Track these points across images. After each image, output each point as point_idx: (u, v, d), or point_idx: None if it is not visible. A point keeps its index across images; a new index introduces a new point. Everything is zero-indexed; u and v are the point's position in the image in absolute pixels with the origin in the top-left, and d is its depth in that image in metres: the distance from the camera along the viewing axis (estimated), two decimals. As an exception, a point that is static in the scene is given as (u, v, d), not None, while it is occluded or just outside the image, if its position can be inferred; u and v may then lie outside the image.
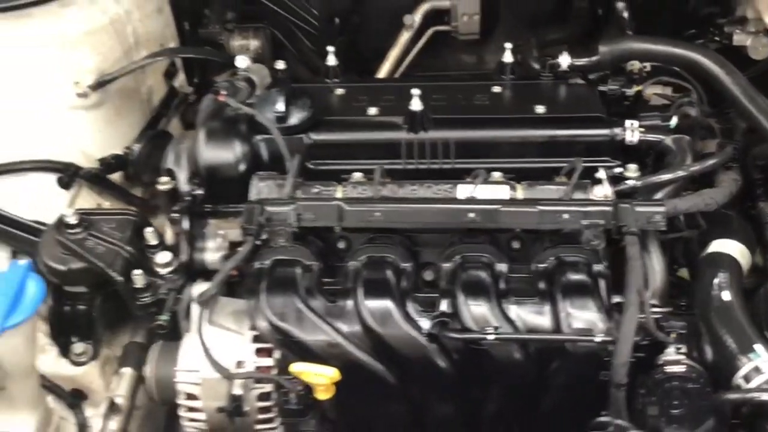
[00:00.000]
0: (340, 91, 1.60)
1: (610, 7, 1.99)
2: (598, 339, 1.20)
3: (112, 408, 1.54)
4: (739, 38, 1.73)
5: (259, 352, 1.34)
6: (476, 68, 2.20)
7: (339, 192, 1.39)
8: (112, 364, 1.60)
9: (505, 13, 2.07)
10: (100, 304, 1.53)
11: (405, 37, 2.07)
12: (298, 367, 1.20)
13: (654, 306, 1.28)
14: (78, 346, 1.54)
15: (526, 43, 1.80)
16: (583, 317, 1.24)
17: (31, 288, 1.27)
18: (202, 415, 1.36)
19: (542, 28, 2.00)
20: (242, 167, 1.46)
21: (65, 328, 1.52)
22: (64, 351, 1.54)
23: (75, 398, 1.55)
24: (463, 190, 1.37)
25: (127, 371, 1.58)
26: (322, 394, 1.23)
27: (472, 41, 2.12)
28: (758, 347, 1.16)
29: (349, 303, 1.29)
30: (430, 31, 2.08)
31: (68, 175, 1.67)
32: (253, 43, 2.01)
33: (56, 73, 1.66)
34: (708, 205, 1.35)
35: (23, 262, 1.32)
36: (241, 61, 1.54)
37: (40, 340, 1.51)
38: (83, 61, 1.67)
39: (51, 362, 1.53)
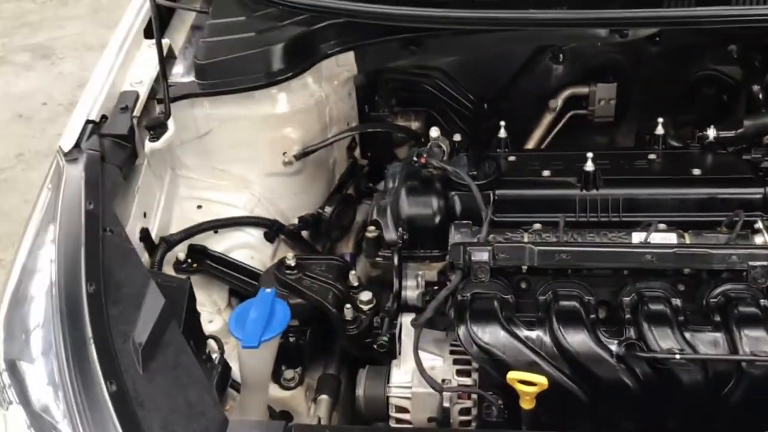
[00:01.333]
0: (512, 158, 1.87)
1: (735, 94, 2.24)
2: (776, 358, 1.38)
3: (319, 427, 1.75)
4: None
5: (460, 372, 1.56)
6: (608, 148, 2.44)
7: (526, 237, 1.63)
8: (312, 392, 1.83)
9: (638, 98, 2.33)
10: (309, 336, 1.78)
11: (548, 119, 2.34)
12: (513, 374, 1.41)
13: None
14: (288, 373, 1.78)
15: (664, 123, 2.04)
16: (758, 342, 1.42)
17: (279, 310, 1.54)
18: (409, 426, 1.57)
19: (671, 111, 2.25)
20: (438, 218, 1.73)
21: (278, 356, 1.77)
22: (276, 377, 1.78)
23: (284, 419, 1.78)
24: (637, 237, 1.59)
25: (324, 398, 1.79)
26: (527, 404, 1.42)
27: (605, 123, 2.38)
28: None
29: (546, 329, 1.50)
30: (568, 114, 2.36)
31: (274, 230, 1.97)
32: (414, 124, 2.31)
33: (270, 145, 1.99)
34: None
35: (269, 290, 1.58)
36: (434, 132, 1.84)
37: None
38: (291, 135, 2.00)
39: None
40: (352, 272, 1.75)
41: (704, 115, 2.24)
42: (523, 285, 1.62)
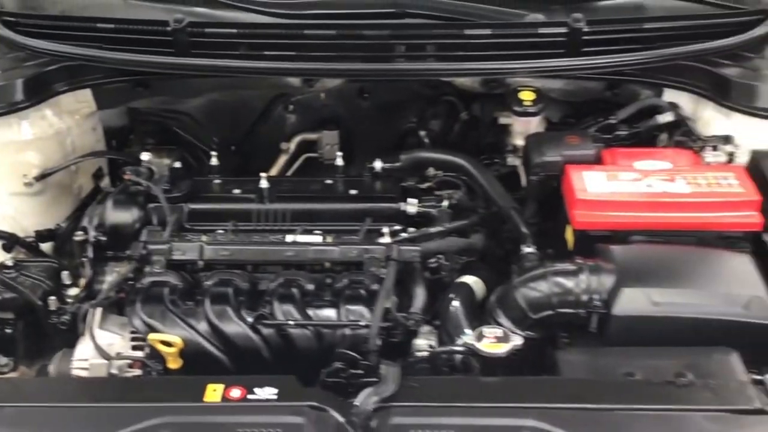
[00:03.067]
0: (217, 181, 2.25)
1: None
2: (362, 323, 1.78)
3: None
4: (511, 161, 2.43)
5: (135, 347, 1.87)
6: None
7: (204, 238, 1.99)
8: (28, 378, 2.07)
9: (359, 144, 2.77)
10: (22, 328, 2.04)
11: (282, 159, 2.73)
12: (152, 336, 1.73)
13: (417, 314, 1.86)
14: (2, 359, 2.03)
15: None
16: (357, 314, 1.82)
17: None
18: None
19: (384, 157, 2.70)
20: (137, 225, 2.07)
21: (-6, 345, 2.02)
22: (-9, 363, 2.02)
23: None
24: (289, 239, 1.99)
25: (39, 384, 2.04)
26: (172, 363, 1.74)
27: (336, 164, 2.80)
28: (467, 331, 1.74)
29: (201, 308, 1.84)
30: (303, 157, 2.77)
31: (11, 242, 2.24)
32: (166, 161, 2.65)
33: (11, 167, 2.27)
34: (450, 247, 1.99)
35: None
36: (144, 156, 2.20)
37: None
38: (32, 160, 2.29)
39: (-20, 371, 2.02)
40: (65, 272, 2.04)
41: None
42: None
